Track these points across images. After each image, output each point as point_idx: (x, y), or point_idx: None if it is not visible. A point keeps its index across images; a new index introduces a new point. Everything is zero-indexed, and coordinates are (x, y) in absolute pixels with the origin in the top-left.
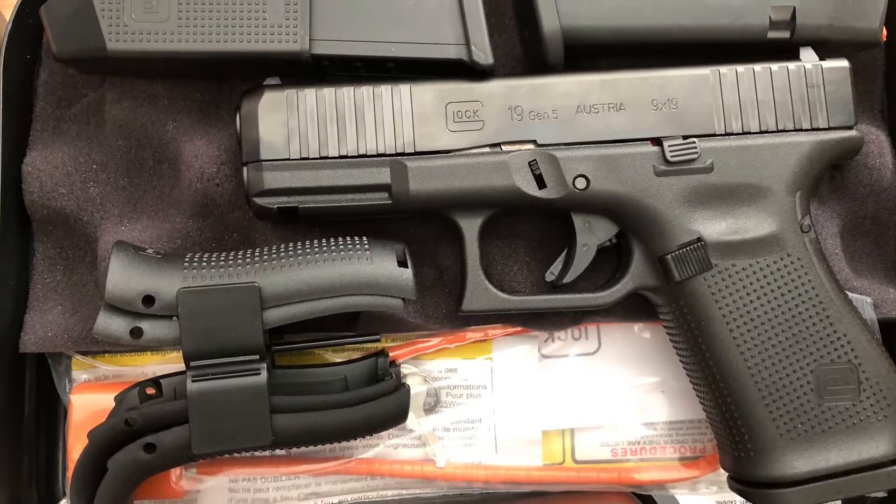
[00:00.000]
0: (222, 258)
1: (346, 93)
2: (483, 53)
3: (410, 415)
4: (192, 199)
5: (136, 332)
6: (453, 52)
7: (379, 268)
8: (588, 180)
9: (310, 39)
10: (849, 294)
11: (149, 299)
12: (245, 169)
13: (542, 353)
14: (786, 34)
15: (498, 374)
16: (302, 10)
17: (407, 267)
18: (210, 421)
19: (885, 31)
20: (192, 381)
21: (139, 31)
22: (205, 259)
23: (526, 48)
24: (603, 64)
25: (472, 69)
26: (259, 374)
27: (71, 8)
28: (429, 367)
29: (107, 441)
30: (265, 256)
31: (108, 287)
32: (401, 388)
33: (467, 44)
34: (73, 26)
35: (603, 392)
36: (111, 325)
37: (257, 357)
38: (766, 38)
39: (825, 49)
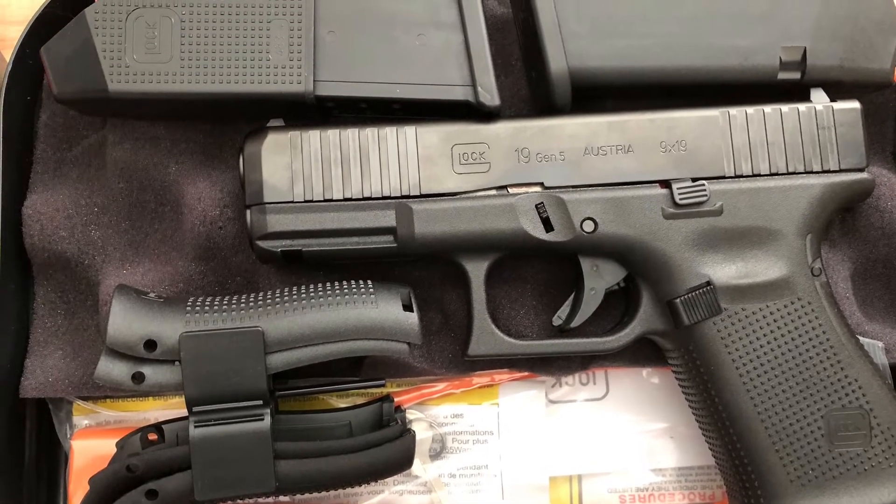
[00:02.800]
0: (225, 302)
1: (351, 134)
2: (489, 95)
3: (416, 461)
4: (194, 242)
5: (138, 378)
6: (459, 93)
7: (384, 312)
8: (596, 223)
9: (314, 81)
10: (860, 338)
11: (151, 344)
12: (248, 212)
13: (550, 398)
14: (796, 75)
15: (504, 419)
16: (306, 52)
17: (412, 311)
18: (213, 467)
19: None
20: (195, 426)
21: (141, 72)
22: (207, 303)
23: (533, 89)
24: (611, 105)
25: (479, 111)
26: (262, 419)
27: (71, 49)
28: (434, 412)
29: (108, 487)
30: (269, 300)
31: (110, 332)
32: (406, 434)
33: (473, 85)
34: (74, 67)
35: (611, 438)
36: (113, 370)
37: (261, 402)
38: (776, 80)
39: (837, 90)
